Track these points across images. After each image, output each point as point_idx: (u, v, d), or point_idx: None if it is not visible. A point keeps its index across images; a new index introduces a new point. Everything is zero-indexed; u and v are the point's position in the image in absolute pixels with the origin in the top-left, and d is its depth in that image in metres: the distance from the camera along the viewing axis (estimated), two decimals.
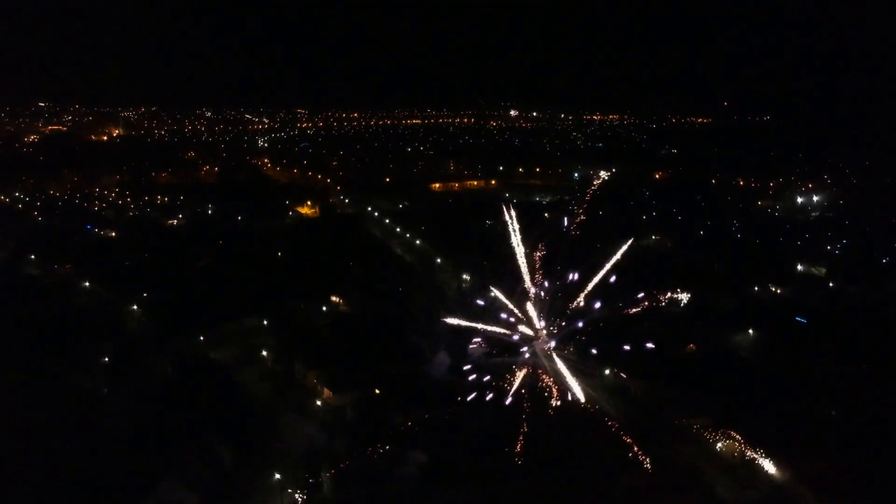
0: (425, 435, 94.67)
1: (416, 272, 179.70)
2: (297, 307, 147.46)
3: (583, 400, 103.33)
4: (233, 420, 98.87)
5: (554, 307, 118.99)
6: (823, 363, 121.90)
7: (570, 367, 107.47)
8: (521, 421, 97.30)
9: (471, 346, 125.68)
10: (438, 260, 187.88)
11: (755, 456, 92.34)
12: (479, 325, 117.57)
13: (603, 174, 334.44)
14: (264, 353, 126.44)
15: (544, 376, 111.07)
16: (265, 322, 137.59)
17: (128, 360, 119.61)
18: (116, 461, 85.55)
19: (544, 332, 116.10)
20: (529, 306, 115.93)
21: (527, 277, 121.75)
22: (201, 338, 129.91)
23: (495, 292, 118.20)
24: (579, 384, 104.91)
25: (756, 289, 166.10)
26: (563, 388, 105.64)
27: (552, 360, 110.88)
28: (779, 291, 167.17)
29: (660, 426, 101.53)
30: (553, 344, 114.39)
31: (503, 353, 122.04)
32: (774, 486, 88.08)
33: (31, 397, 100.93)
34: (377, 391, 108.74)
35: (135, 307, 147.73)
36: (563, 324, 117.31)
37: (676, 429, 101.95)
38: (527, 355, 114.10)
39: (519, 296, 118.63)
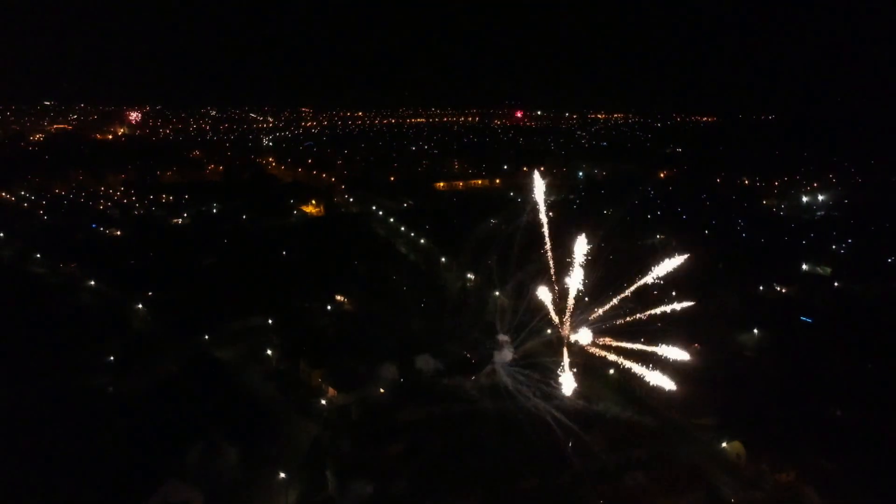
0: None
1: (421, 271, 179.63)
2: (301, 306, 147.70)
3: (551, 418, 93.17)
4: (238, 419, 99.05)
5: (517, 317, 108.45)
6: (829, 363, 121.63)
7: (532, 385, 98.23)
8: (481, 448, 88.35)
9: (420, 358, 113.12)
10: (443, 259, 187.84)
11: (759, 456, 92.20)
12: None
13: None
14: (269, 352, 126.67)
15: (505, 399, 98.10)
16: (270, 321, 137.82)
17: (133, 359, 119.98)
18: (122, 460, 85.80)
19: (508, 345, 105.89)
20: (491, 316, 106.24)
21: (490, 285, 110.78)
22: (206, 337, 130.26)
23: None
24: (547, 404, 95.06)
25: (761, 288, 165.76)
26: (526, 409, 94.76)
27: (515, 378, 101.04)
28: (784, 291, 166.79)
29: (662, 426, 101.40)
30: (515, 358, 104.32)
31: (459, 370, 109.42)
32: (778, 486, 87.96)
33: (36, 396, 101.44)
34: (381, 391, 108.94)
35: (140, 306, 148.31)
36: (529, 337, 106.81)
37: (679, 428, 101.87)
38: (486, 373, 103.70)
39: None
